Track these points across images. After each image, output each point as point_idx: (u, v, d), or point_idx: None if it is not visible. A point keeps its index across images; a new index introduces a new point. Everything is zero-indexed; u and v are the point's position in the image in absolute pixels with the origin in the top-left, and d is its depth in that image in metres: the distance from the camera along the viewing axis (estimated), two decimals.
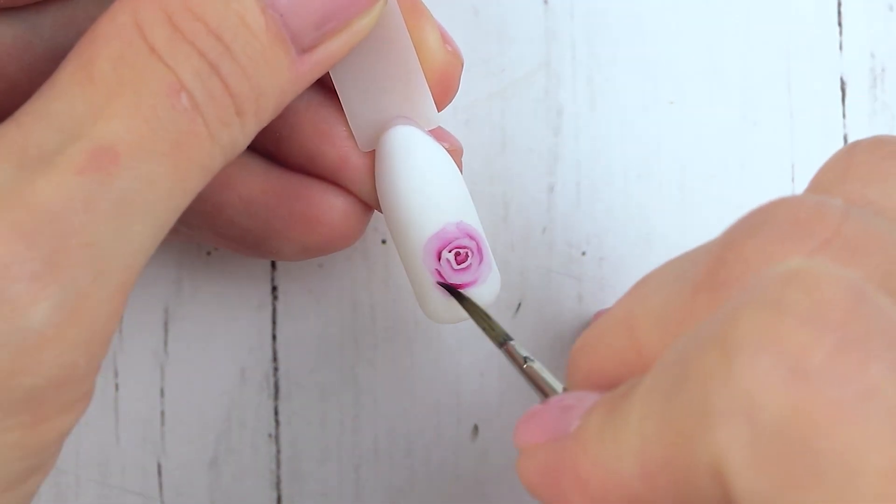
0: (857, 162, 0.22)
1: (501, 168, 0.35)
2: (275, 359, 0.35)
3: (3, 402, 0.22)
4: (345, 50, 0.26)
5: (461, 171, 0.30)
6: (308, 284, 0.35)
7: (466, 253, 0.29)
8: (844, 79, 0.35)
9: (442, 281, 0.29)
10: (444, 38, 0.29)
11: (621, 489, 0.20)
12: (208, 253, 0.35)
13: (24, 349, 0.22)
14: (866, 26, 0.35)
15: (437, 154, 0.29)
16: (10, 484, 0.24)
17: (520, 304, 0.35)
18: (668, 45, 0.35)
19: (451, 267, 0.29)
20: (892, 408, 0.17)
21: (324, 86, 0.29)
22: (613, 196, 0.35)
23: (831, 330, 0.18)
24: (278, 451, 0.35)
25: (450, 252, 0.29)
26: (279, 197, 0.30)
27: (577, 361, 0.23)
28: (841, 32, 0.35)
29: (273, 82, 0.24)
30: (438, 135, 0.30)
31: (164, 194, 0.23)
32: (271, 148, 0.30)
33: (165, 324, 0.35)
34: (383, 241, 0.35)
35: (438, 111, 0.29)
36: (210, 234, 0.31)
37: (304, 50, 0.25)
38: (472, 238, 0.29)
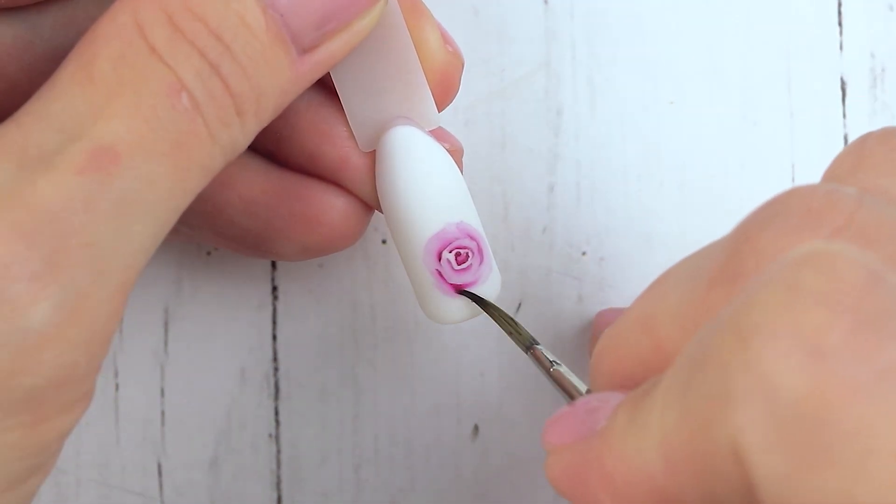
0: (868, 153, 0.22)
1: (501, 168, 0.35)
2: (275, 359, 0.35)
3: (3, 402, 0.22)
4: (345, 50, 0.26)
5: (461, 172, 0.30)
6: (308, 284, 0.35)
7: (467, 253, 0.29)
8: (844, 79, 0.35)
9: (457, 287, 0.29)
10: (445, 39, 0.29)
11: (646, 483, 0.20)
12: (208, 253, 0.35)
13: (24, 349, 0.22)
14: (866, 26, 0.35)
15: (437, 154, 0.29)
16: (10, 484, 0.24)
17: (520, 304, 0.35)
18: (668, 45, 0.35)
19: (452, 267, 0.29)
20: None
21: (324, 86, 0.29)
22: (613, 196, 0.35)
23: (847, 311, 0.18)
24: (278, 452, 0.35)
25: (450, 252, 0.29)
26: (279, 197, 0.30)
27: (599, 363, 0.23)
28: (841, 32, 0.35)
29: (273, 82, 0.24)
30: (439, 135, 0.30)
31: (164, 194, 0.23)
32: (271, 148, 0.30)
33: (165, 324, 0.35)
34: (383, 241, 0.35)
35: (439, 111, 0.29)
36: (210, 234, 0.31)
37: (304, 50, 0.25)
38: (472, 238, 0.29)
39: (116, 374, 0.35)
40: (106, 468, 0.34)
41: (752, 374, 0.18)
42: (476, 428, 0.35)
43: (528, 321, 0.35)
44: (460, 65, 0.29)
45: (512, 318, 0.29)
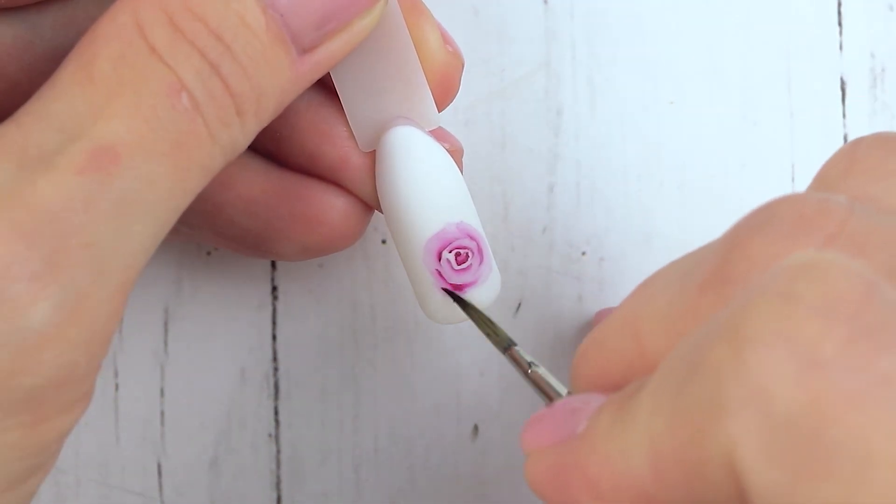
0: (860, 158, 0.22)
1: (501, 168, 0.35)
2: (275, 359, 0.35)
3: (3, 402, 0.22)
4: (345, 50, 0.26)
5: (461, 172, 0.30)
6: (308, 284, 0.35)
7: (467, 253, 0.29)
8: (844, 79, 0.35)
9: (445, 285, 0.29)
10: (445, 39, 0.29)
11: (632, 488, 0.19)
12: (208, 253, 0.35)
13: (24, 349, 0.22)
14: (866, 26, 0.35)
15: (437, 154, 0.29)
16: (10, 484, 0.24)
17: (520, 304, 0.35)
18: (668, 45, 0.35)
19: (452, 267, 0.29)
20: None
21: (324, 86, 0.29)
22: (613, 196, 0.35)
23: (843, 320, 0.18)
24: (278, 451, 0.35)
25: (450, 252, 0.29)
26: (279, 197, 0.30)
27: (581, 364, 0.23)
28: (841, 32, 0.35)
29: (273, 82, 0.24)
30: (439, 135, 0.30)
31: (164, 194, 0.23)
32: (271, 148, 0.30)
33: (165, 324, 0.35)
34: (383, 241, 0.35)
35: (439, 111, 0.29)
36: (210, 234, 0.31)
37: (304, 50, 0.25)
38: (472, 238, 0.29)
39: (116, 374, 0.35)
40: (106, 468, 0.34)
41: (746, 383, 0.18)
42: (476, 428, 0.35)
43: (528, 321, 0.35)
44: (460, 65, 0.29)
45: (489, 319, 0.29)
